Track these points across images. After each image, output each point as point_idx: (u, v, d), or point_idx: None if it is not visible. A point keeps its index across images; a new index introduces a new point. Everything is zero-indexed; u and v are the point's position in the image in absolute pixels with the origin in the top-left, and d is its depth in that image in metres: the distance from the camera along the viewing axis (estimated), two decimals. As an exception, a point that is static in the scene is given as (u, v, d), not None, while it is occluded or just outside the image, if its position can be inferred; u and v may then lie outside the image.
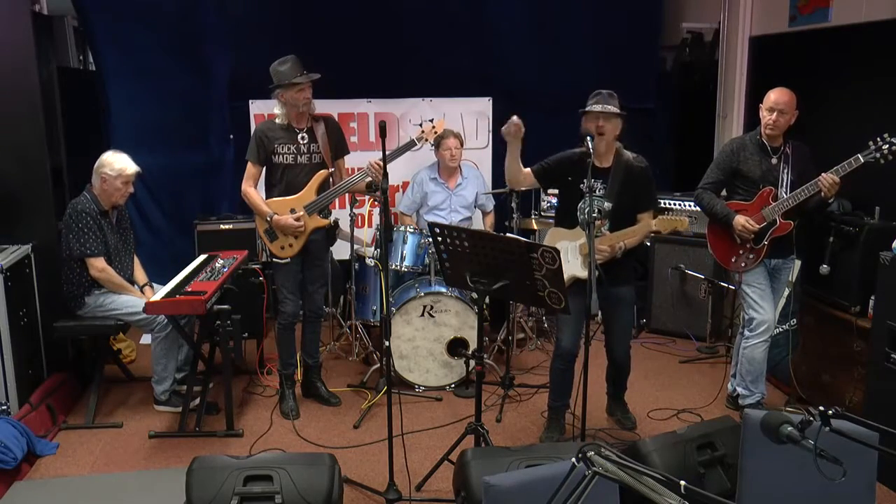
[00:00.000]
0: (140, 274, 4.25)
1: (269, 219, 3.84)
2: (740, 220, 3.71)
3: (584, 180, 3.43)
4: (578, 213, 3.55)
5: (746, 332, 3.88)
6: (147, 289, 4.18)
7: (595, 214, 3.35)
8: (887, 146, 3.38)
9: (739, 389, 3.96)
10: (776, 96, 3.65)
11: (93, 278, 3.94)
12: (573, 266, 3.54)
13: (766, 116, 3.68)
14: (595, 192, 3.48)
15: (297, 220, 3.84)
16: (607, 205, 3.46)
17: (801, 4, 4.73)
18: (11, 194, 4.03)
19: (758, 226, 3.69)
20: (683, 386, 4.51)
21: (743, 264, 3.82)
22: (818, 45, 4.61)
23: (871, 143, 3.42)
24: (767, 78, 5.02)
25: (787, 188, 3.69)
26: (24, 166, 4.05)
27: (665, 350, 5.14)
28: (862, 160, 3.43)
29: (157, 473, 3.48)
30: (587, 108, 3.45)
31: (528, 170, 3.62)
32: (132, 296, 4.02)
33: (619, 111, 3.45)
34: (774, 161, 3.73)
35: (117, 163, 3.91)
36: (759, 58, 5.26)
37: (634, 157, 3.58)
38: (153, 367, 4.06)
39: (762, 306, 3.80)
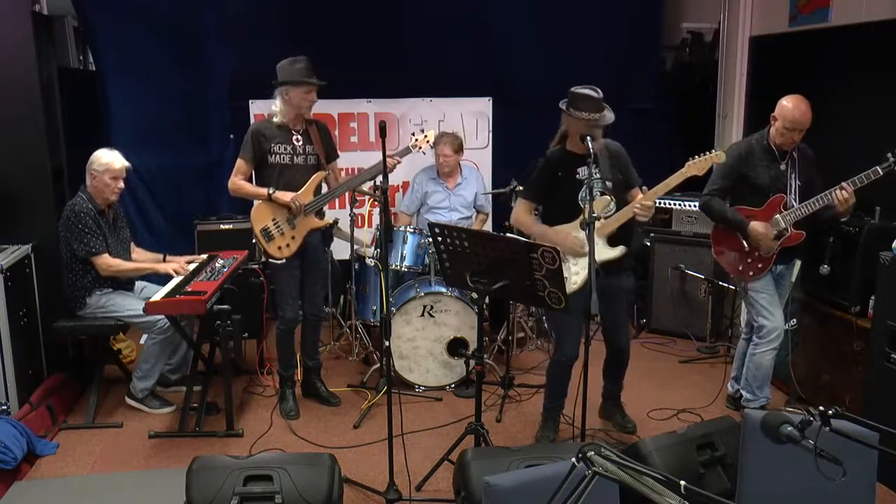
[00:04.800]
0: (148, 253, 4.30)
1: (270, 192, 3.81)
2: (759, 227, 3.61)
3: (579, 169, 3.44)
4: (581, 202, 3.46)
5: (756, 339, 3.81)
6: (170, 257, 4.21)
7: (598, 196, 3.41)
8: None
9: (744, 393, 3.91)
10: (800, 115, 3.49)
11: (95, 279, 3.94)
12: (598, 250, 3.47)
13: (784, 135, 3.55)
14: (592, 176, 3.43)
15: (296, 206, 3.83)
16: (608, 183, 3.45)
17: (801, 4, 4.72)
18: (11, 194, 4.03)
19: (775, 233, 3.61)
20: (683, 386, 4.51)
21: (751, 273, 3.73)
22: (818, 45, 4.61)
23: (889, 154, 3.30)
24: (767, 78, 5.04)
25: (795, 195, 3.61)
26: (24, 166, 4.05)
27: (665, 350, 5.14)
28: (881, 172, 3.31)
29: (157, 473, 3.48)
30: (583, 117, 3.32)
31: (524, 206, 3.64)
32: (135, 296, 4.04)
33: (610, 117, 3.36)
34: (783, 167, 3.64)
35: (104, 157, 3.91)
36: (759, 58, 5.26)
37: (606, 139, 3.54)
38: (140, 363, 4.06)
39: (772, 313, 3.73)
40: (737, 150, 3.75)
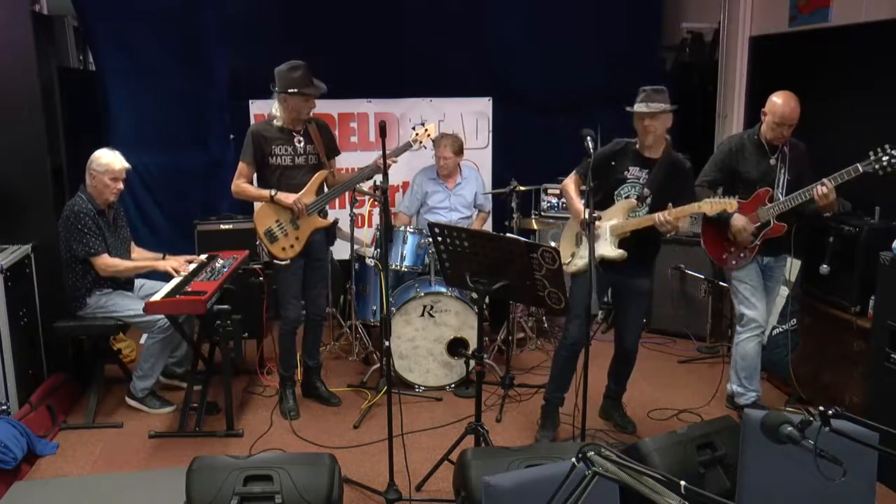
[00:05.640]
0: (148, 253, 4.30)
1: (272, 194, 3.81)
2: (739, 221, 3.69)
3: (630, 167, 3.51)
4: (616, 198, 3.55)
5: (738, 328, 3.89)
6: (169, 256, 4.21)
7: (633, 199, 3.49)
8: (887, 158, 3.30)
9: (734, 387, 3.95)
10: (788, 109, 3.57)
11: (95, 279, 3.94)
12: (603, 246, 3.52)
13: (774, 129, 3.63)
14: (639, 179, 3.53)
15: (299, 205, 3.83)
16: (647, 191, 3.49)
17: (801, 4, 4.73)
18: (11, 194, 4.03)
19: (754, 226, 3.69)
20: (683, 386, 4.51)
21: (734, 262, 3.84)
22: (818, 45, 4.62)
23: (871, 153, 3.35)
24: (767, 78, 5.04)
25: (783, 189, 3.69)
26: (24, 166, 4.05)
27: (665, 350, 5.15)
28: (861, 170, 3.37)
29: (157, 473, 3.47)
30: (635, 109, 3.41)
31: (574, 178, 3.69)
32: (135, 295, 4.04)
33: (665, 108, 3.39)
34: (773, 161, 3.72)
35: (104, 158, 3.91)
36: (759, 58, 5.27)
37: (682, 156, 3.60)
38: (140, 363, 4.05)
39: (753, 303, 3.82)
40: (728, 145, 3.86)
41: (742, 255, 3.81)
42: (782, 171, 3.70)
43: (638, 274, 3.63)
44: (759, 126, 3.74)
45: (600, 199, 3.57)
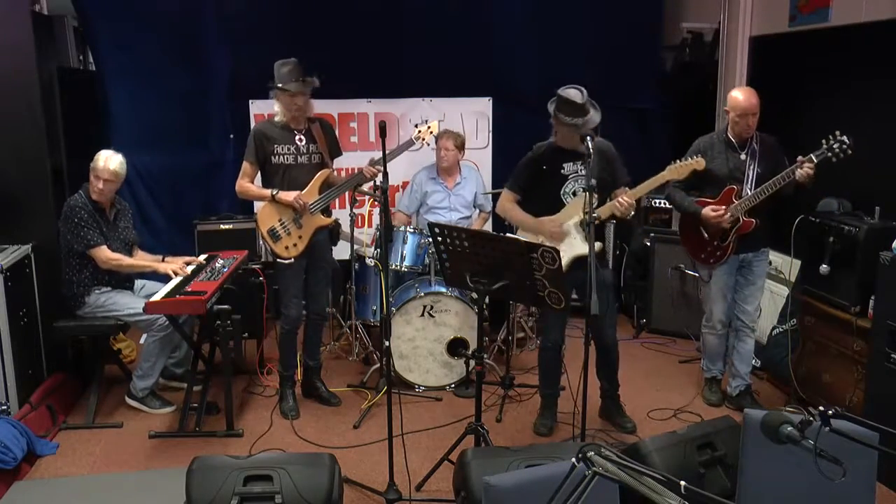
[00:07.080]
0: (148, 255, 4.29)
1: (273, 193, 3.82)
2: (707, 211, 3.80)
3: (565, 164, 3.56)
4: (564, 197, 3.59)
5: (704, 321, 4.16)
6: (168, 258, 4.20)
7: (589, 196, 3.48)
8: (837, 145, 3.46)
9: (703, 362, 4.27)
10: (747, 102, 3.71)
11: (94, 274, 3.94)
12: (576, 245, 3.54)
13: (739, 123, 3.75)
14: (578, 172, 3.56)
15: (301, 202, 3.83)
16: (593, 181, 3.46)
17: (801, 4, 4.72)
18: (11, 194, 4.04)
19: (724, 212, 3.75)
20: (683, 386, 4.51)
21: (711, 260, 3.93)
22: (818, 45, 4.61)
23: (823, 141, 3.50)
24: (767, 78, 5.04)
25: (752, 184, 3.77)
26: (24, 166, 4.05)
27: (665, 350, 5.15)
28: (815, 160, 3.50)
29: (157, 473, 3.48)
30: (570, 122, 3.42)
31: (509, 195, 3.73)
32: (135, 294, 4.04)
33: (595, 120, 3.43)
34: (743, 157, 3.81)
35: (98, 155, 3.90)
36: (759, 58, 5.26)
37: (595, 136, 3.60)
38: (140, 363, 4.05)
39: (712, 309, 4.01)
40: (697, 146, 3.95)
41: (718, 254, 3.89)
42: (751, 166, 3.79)
43: (602, 266, 3.64)
44: (727, 124, 3.86)
45: (549, 204, 3.60)
